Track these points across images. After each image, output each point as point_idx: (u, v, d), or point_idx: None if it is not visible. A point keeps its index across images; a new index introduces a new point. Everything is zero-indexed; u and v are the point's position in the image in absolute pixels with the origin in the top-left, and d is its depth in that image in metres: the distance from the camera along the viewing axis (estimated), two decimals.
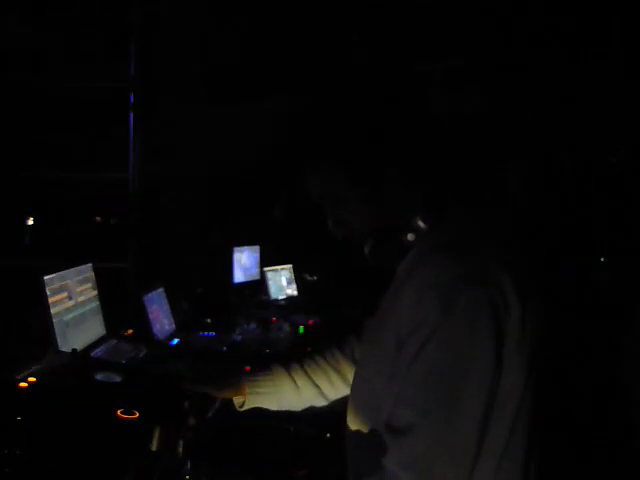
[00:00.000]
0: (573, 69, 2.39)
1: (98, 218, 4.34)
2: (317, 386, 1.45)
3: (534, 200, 2.56)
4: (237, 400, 1.40)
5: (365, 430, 1.13)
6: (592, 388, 2.13)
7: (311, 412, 1.49)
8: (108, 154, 3.69)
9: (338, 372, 1.48)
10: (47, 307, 1.91)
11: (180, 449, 1.32)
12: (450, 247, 1.05)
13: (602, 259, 2.32)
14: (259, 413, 1.45)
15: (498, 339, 0.96)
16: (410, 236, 1.13)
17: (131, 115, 3.65)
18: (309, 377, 1.45)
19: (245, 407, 1.40)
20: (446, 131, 1.17)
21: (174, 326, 3.04)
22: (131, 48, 3.63)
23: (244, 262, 4.34)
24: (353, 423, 1.19)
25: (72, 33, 3.56)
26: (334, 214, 1.20)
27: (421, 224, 1.13)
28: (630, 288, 2.08)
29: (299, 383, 1.43)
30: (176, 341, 2.90)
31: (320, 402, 1.47)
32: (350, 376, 1.42)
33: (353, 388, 1.23)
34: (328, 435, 1.80)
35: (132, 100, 3.65)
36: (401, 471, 0.97)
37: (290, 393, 1.43)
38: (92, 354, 2.07)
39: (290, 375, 1.44)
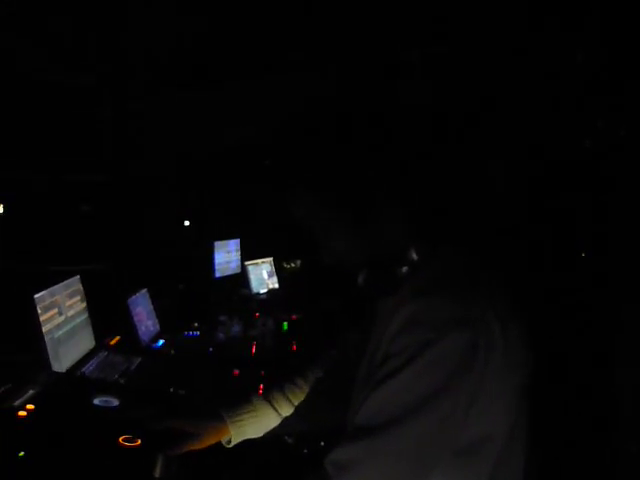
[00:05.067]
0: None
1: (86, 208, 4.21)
2: None
3: (515, 198, 2.57)
4: (223, 439, 1.41)
5: None
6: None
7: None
8: (78, 154, 3.59)
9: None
10: (39, 326, 1.89)
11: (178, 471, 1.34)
12: (442, 285, 1.07)
13: (582, 254, 2.32)
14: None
15: (464, 388, 1.01)
16: (404, 269, 1.14)
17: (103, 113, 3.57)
18: (292, 403, 1.46)
19: (232, 444, 1.41)
20: (429, 150, 1.16)
21: (158, 327, 3.04)
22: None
23: (225, 256, 4.34)
24: None
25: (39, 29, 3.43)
26: (322, 242, 1.18)
27: (414, 256, 1.13)
28: (617, 284, 2.08)
29: (282, 412, 1.45)
30: (161, 342, 2.91)
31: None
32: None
33: (350, 405, 1.25)
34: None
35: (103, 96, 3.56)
36: (332, 468, 1.02)
37: (275, 422, 1.45)
38: (84, 370, 2.06)
39: (272, 406, 1.45)
